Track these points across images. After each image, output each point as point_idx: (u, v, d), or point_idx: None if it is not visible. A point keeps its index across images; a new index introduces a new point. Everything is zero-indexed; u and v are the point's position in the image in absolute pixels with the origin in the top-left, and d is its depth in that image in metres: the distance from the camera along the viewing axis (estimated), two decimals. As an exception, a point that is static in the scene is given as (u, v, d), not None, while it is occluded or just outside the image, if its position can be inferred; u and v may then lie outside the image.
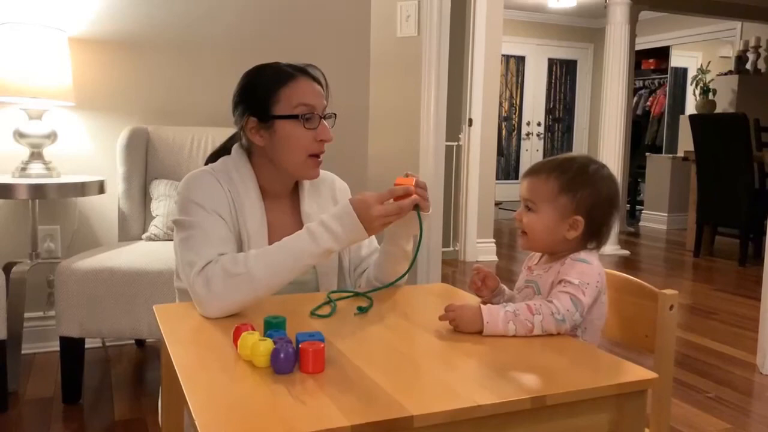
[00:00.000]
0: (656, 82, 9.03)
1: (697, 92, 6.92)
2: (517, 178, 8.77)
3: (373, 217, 1.22)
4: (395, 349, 1.05)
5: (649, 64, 9.07)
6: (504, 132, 9.00)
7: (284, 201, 1.46)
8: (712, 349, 3.04)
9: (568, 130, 9.42)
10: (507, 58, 8.72)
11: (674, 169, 6.83)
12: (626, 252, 5.53)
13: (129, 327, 2.20)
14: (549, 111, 9.29)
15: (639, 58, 8.21)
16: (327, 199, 1.52)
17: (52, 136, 2.55)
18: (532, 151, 9.17)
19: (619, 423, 0.93)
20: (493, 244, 5.15)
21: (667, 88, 8.80)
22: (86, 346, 2.28)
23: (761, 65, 7.08)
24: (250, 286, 1.19)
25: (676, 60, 8.73)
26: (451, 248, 5.03)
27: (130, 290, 2.18)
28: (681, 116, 7.51)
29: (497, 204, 5.93)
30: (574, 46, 9.11)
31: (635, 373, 0.94)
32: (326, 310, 1.23)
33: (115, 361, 2.69)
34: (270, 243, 1.36)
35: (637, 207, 7.89)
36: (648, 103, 8.98)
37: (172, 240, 1.35)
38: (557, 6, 7.50)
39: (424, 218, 1.33)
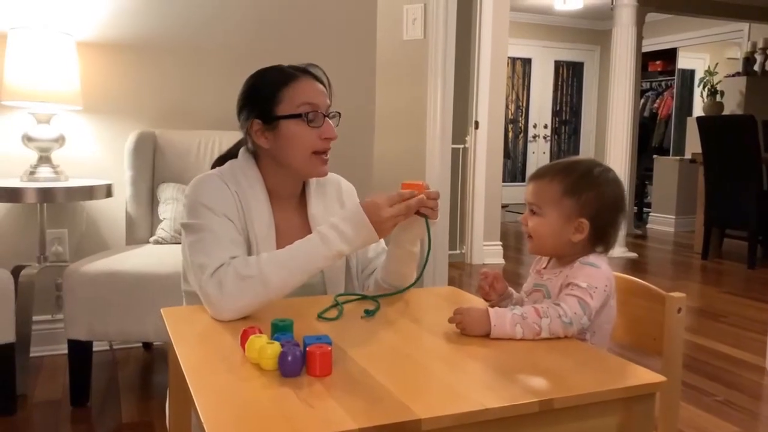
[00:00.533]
0: (663, 84, 9.00)
1: (705, 94, 6.89)
2: (523, 180, 8.75)
3: (384, 219, 1.23)
4: (402, 352, 1.05)
5: (656, 66, 9.04)
6: (510, 134, 8.99)
7: (291, 203, 1.47)
8: (720, 352, 3.03)
9: (575, 132, 9.41)
10: (513, 60, 8.72)
11: (682, 172, 6.80)
12: (634, 254, 5.51)
13: (136, 330, 2.21)
14: (556, 113, 9.27)
15: (646, 60, 8.18)
16: (333, 200, 1.52)
17: (60, 140, 2.57)
18: (538, 154, 9.16)
19: (627, 426, 0.93)
20: (500, 247, 5.14)
21: (674, 90, 8.77)
22: (94, 349, 2.29)
23: (769, 67, 7.05)
24: (263, 288, 1.19)
25: (683, 62, 8.70)
26: (458, 251, 5.02)
27: (138, 293, 2.18)
28: (688, 118, 7.48)
29: (504, 207, 5.92)
30: (580, 48, 9.10)
31: (643, 376, 0.94)
32: (333, 313, 1.23)
33: (123, 364, 2.70)
34: (278, 245, 1.36)
35: (645, 209, 7.86)
36: (655, 105, 8.96)
37: (179, 243, 1.35)
38: (564, 8, 7.49)
39: (432, 224, 1.33)
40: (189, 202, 1.33)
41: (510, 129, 8.92)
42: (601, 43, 8.89)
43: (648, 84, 8.97)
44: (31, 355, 2.58)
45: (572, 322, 1.10)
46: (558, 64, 9.14)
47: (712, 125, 5.31)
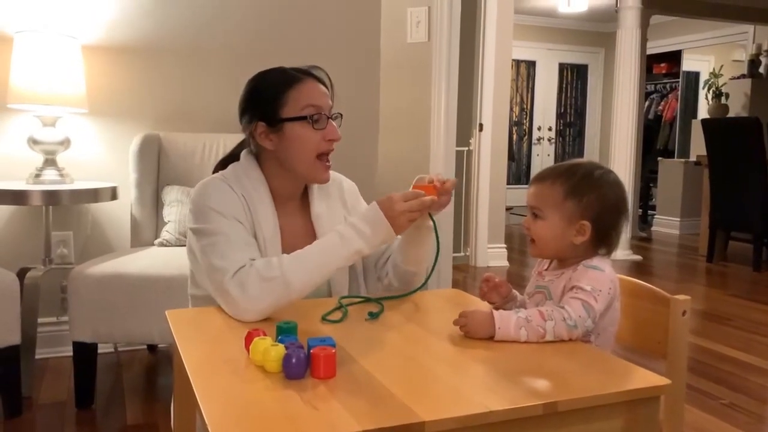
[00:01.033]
0: (668, 86, 8.99)
1: (710, 96, 6.88)
2: (528, 183, 8.73)
3: (398, 213, 1.25)
4: (406, 354, 1.05)
5: (661, 69, 9.03)
6: (515, 137, 8.97)
7: (294, 204, 1.47)
8: (726, 355, 3.02)
9: (580, 134, 9.39)
10: (518, 62, 8.71)
11: (686, 174, 6.78)
12: (638, 257, 5.50)
13: (141, 332, 2.21)
14: (560, 115, 9.26)
15: (650, 63, 8.16)
16: (336, 200, 1.53)
17: (65, 143, 2.58)
18: (543, 156, 9.14)
19: (632, 429, 0.93)
20: (504, 249, 5.14)
21: (679, 92, 8.76)
22: (99, 351, 2.30)
23: (774, 69, 7.04)
24: (285, 289, 1.21)
25: (687, 64, 8.68)
26: (462, 253, 5.02)
27: (143, 296, 2.19)
28: (693, 120, 7.47)
29: (508, 209, 5.92)
30: (585, 50, 9.08)
31: (648, 379, 0.94)
32: (337, 315, 1.23)
33: (128, 366, 2.71)
34: (282, 246, 1.37)
35: (650, 212, 7.85)
36: (660, 108, 8.94)
37: (184, 246, 1.36)
38: (568, 10, 7.48)
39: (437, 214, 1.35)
40: (197, 206, 1.33)
41: (514, 131, 8.91)
42: (606, 46, 8.87)
43: (653, 86, 8.95)
44: (37, 357, 2.59)
45: (576, 325, 1.10)
46: (562, 67, 9.12)
47: (717, 127, 5.30)
